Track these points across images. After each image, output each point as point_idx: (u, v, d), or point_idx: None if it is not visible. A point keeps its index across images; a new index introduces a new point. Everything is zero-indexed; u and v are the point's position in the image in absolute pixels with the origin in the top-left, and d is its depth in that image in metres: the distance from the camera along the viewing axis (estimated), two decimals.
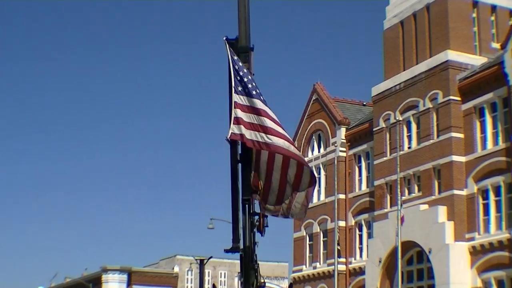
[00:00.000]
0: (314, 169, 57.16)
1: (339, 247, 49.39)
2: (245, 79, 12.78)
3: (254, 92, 12.76)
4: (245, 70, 12.86)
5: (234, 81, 12.67)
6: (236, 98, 12.63)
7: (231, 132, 12.51)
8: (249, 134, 12.64)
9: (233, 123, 12.52)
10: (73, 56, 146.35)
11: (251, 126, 12.65)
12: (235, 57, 12.88)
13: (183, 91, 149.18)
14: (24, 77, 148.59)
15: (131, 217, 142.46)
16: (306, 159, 57.57)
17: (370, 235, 50.31)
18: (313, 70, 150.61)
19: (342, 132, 54.30)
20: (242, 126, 12.59)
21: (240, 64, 12.90)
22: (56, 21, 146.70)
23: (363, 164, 52.98)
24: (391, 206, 47.36)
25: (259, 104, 12.76)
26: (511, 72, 41.17)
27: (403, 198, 44.58)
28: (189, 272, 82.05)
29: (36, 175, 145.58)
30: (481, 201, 42.79)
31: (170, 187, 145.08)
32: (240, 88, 12.71)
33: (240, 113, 12.62)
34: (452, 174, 43.35)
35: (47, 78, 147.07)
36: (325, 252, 54.67)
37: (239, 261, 13.35)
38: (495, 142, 42.51)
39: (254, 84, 12.87)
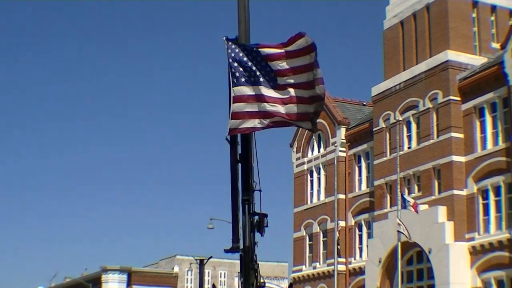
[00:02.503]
0: (314, 169, 57.16)
1: (339, 247, 49.30)
2: (253, 68, 12.58)
3: (261, 79, 12.56)
4: (249, 62, 12.67)
5: (236, 72, 12.53)
6: (234, 92, 12.51)
7: (229, 128, 12.44)
8: (249, 123, 12.49)
9: (231, 118, 12.43)
10: (74, 55, 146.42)
11: (252, 114, 12.49)
12: (237, 49, 12.71)
13: (183, 91, 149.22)
14: (26, 72, 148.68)
15: (131, 217, 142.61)
16: (306, 159, 57.62)
17: (370, 235, 50.29)
18: None
19: (342, 132, 54.27)
20: (241, 120, 12.46)
21: (245, 56, 12.70)
22: (54, 20, 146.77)
23: (363, 164, 52.96)
24: (391, 206, 47.35)
25: (263, 90, 12.53)
26: (511, 72, 41.16)
27: (404, 195, 44.46)
28: (189, 272, 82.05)
29: (36, 175, 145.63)
30: (481, 201, 42.78)
31: (170, 187, 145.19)
32: (240, 79, 12.53)
33: (239, 106, 12.49)
34: (452, 174, 43.35)
35: (48, 74, 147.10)
36: (325, 252, 54.65)
37: (239, 261, 13.35)
38: (495, 142, 42.50)
39: (258, 67, 12.60)
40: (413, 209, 41.42)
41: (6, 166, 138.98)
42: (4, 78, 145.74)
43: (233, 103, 12.41)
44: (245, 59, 12.67)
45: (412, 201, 41.83)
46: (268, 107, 12.53)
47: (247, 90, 12.48)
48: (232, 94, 12.44)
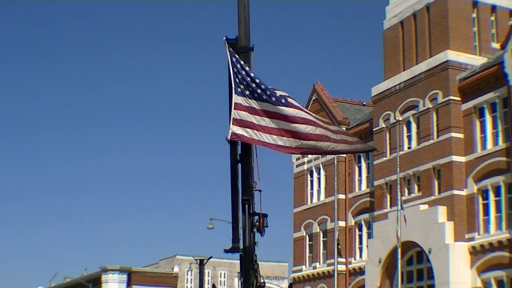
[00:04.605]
0: (314, 169, 57.14)
1: (339, 246, 49.12)
2: (248, 79, 12.69)
3: (256, 94, 12.67)
4: (246, 69, 12.77)
5: (234, 82, 12.62)
6: (236, 99, 12.59)
7: (231, 132, 12.48)
8: (248, 133, 12.58)
9: (233, 124, 12.48)
10: (73, 57, 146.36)
11: (251, 125, 12.59)
12: (234, 58, 12.81)
13: (183, 91, 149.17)
14: (27, 78, 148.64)
15: (131, 217, 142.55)
16: (306, 159, 57.60)
17: (370, 235, 50.28)
18: (313, 70, 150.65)
19: None
20: (241, 127, 12.54)
21: (242, 63, 12.83)
22: (55, 22, 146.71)
23: (363, 164, 52.94)
24: (391, 206, 47.33)
25: (260, 105, 12.69)
26: (511, 72, 41.15)
27: (403, 198, 44.53)
28: (189, 272, 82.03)
29: (37, 175, 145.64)
30: (481, 201, 42.76)
31: (170, 187, 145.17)
32: (239, 90, 12.65)
33: (240, 114, 12.58)
34: (452, 174, 43.33)
35: (50, 80, 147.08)
36: (325, 252, 54.63)
37: (239, 261, 13.36)
38: (495, 142, 42.48)
39: (258, 81, 12.74)
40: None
41: (7, 166, 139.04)
42: (7, 83, 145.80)
43: (234, 109, 12.49)
44: (247, 68, 12.75)
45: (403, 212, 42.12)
46: (266, 121, 12.63)
47: (252, 103, 12.58)
48: (234, 101, 12.51)
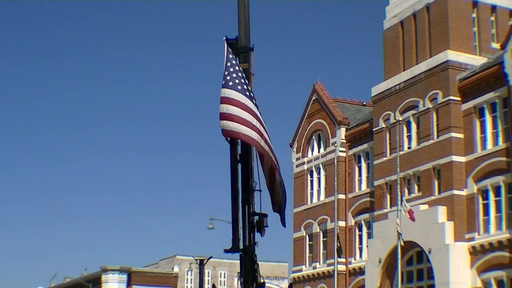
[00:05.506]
0: (314, 169, 57.13)
1: (338, 244, 48.87)
2: (240, 75, 12.73)
3: (239, 87, 12.71)
4: (237, 68, 12.83)
5: (235, 77, 12.62)
6: (225, 93, 12.61)
7: (223, 129, 12.52)
8: (237, 128, 12.57)
9: (220, 119, 12.51)
10: (73, 57, 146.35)
11: (245, 122, 12.59)
12: (230, 56, 12.86)
13: (183, 91, 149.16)
14: (27, 79, 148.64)
15: (131, 217, 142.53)
16: (306, 159, 57.65)
17: (370, 235, 50.27)
18: (313, 70, 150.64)
19: (342, 132, 54.26)
20: (234, 123, 12.53)
21: (234, 62, 12.86)
22: (56, 22, 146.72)
23: (363, 164, 52.92)
24: (391, 206, 47.33)
25: (247, 101, 12.71)
26: (511, 72, 41.14)
27: (404, 198, 44.48)
28: (189, 272, 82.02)
29: (37, 175, 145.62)
30: (481, 201, 42.75)
31: (170, 187, 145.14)
32: (239, 87, 12.65)
33: (230, 108, 12.58)
34: (452, 174, 43.33)
35: (50, 80, 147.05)
36: (325, 252, 54.62)
37: (239, 261, 13.35)
38: (495, 142, 42.48)
39: (243, 81, 12.84)
40: (408, 215, 41.46)
41: (7, 167, 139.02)
42: (7, 83, 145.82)
43: (221, 103, 12.52)
44: (240, 74, 12.78)
45: (407, 207, 41.71)
46: (262, 130, 12.70)
47: (241, 98, 12.57)
48: (221, 95, 12.54)
